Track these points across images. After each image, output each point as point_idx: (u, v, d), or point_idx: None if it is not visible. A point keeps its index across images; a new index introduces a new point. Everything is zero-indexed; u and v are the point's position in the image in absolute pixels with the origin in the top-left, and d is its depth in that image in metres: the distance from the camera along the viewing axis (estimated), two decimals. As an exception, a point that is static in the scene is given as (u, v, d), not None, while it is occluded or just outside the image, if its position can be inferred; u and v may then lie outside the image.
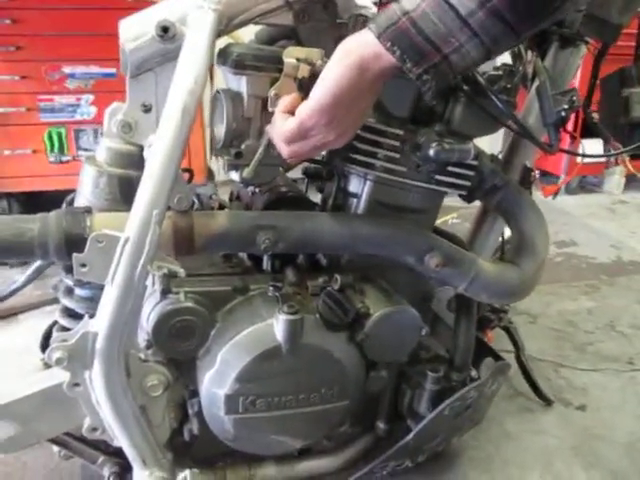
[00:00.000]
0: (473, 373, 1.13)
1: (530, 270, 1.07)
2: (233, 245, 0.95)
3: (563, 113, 0.98)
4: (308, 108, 0.80)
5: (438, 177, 1.02)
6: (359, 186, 1.03)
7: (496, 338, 1.53)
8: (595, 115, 1.14)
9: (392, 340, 0.99)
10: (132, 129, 0.97)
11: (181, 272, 0.88)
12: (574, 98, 0.98)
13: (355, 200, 1.04)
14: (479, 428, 1.29)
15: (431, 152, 0.97)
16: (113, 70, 2.49)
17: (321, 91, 0.79)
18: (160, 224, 0.84)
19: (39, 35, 2.30)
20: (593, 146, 3.65)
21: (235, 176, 0.99)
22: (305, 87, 0.88)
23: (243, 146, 0.97)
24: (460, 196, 1.13)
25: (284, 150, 0.85)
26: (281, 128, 0.83)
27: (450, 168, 1.02)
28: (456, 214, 2.29)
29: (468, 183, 1.05)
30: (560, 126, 1.00)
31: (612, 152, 1.07)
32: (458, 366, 1.11)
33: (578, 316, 1.87)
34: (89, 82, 2.57)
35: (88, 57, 2.42)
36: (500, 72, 1.01)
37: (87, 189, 1.00)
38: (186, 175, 1.00)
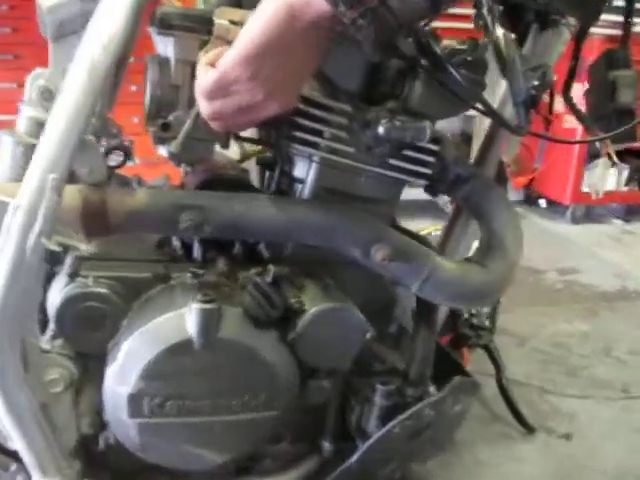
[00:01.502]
0: (432, 389, 0.94)
1: (497, 272, 0.89)
2: (152, 225, 0.81)
3: (533, 91, 0.81)
4: (230, 57, 0.67)
5: (392, 162, 0.86)
6: (304, 169, 0.88)
7: (478, 359, 1.34)
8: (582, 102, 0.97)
9: (330, 342, 0.82)
10: (54, 96, 0.84)
11: (84, 249, 0.74)
12: (546, 74, 0.82)
13: (300, 186, 0.89)
14: (447, 454, 1.09)
15: (380, 130, 0.81)
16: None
17: (244, 39, 0.66)
18: (58, 191, 0.71)
19: (38, 44, 2.23)
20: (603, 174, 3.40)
21: (163, 151, 0.85)
22: None
23: (171, 117, 0.83)
24: (425, 190, 0.97)
25: (205, 108, 0.71)
26: (201, 81, 0.69)
27: (407, 152, 0.87)
28: (440, 226, 2.11)
29: (428, 171, 0.89)
30: (531, 106, 0.83)
31: (591, 138, 0.90)
32: (413, 380, 0.93)
33: (572, 339, 1.66)
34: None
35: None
36: (465, 45, 0.86)
37: (5, 162, 0.87)
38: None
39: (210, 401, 0.79)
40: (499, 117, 0.82)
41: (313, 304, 0.81)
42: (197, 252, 0.89)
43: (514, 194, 3.88)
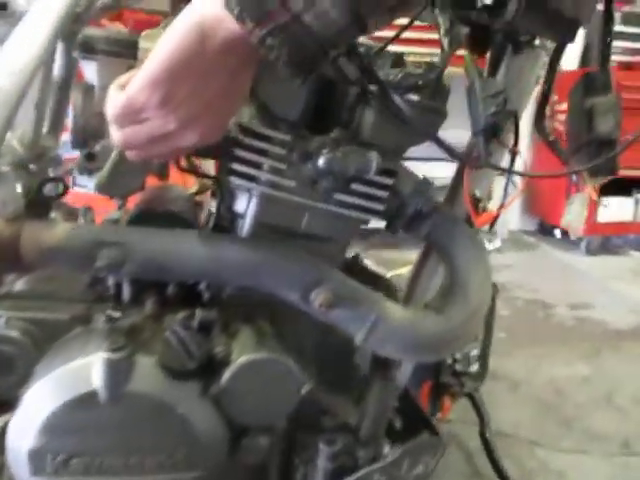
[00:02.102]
0: (387, 450, 0.83)
1: (456, 320, 0.77)
2: (68, 262, 0.72)
3: (492, 118, 0.71)
4: (137, 81, 0.59)
5: (339, 197, 0.77)
6: (244, 204, 0.79)
7: (463, 405, 1.21)
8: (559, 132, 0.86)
9: (258, 398, 0.72)
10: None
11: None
12: (507, 100, 0.72)
13: (240, 221, 0.80)
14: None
15: (320, 161, 0.72)
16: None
17: (153, 60, 0.58)
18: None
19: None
20: (620, 204, 3.25)
21: (89, 183, 0.77)
22: None
23: (97, 147, 0.76)
24: (386, 228, 0.87)
25: (115, 134, 0.63)
26: (110, 104, 0.62)
27: (356, 186, 0.77)
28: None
29: (380, 207, 0.79)
30: (491, 135, 0.73)
31: (567, 171, 0.79)
32: (365, 439, 0.82)
33: (570, 384, 1.50)
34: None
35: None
36: (420, 69, 0.77)
37: None
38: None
39: (121, 460, 0.69)
40: (448, 148, 0.71)
41: (241, 354, 0.71)
42: (126, 292, 0.80)
43: (529, 223, 3.74)
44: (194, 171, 0.83)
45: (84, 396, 0.66)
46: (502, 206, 0.79)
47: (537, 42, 0.88)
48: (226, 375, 0.70)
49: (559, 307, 2.41)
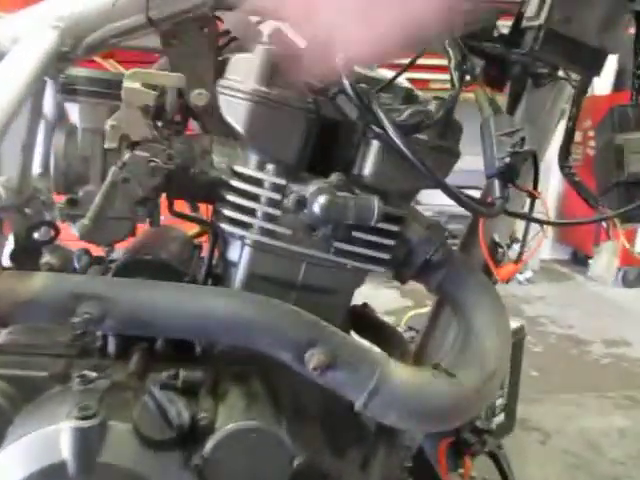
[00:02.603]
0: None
1: (471, 385, 0.68)
2: (45, 316, 0.67)
3: (507, 159, 0.63)
4: None
5: (340, 245, 0.69)
6: (237, 252, 0.72)
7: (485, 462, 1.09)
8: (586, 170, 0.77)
9: (246, 470, 0.63)
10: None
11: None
12: (522, 139, 0.63)
13: (233, 270, 0.73)
14: None
15: (316, 208, 0.65)
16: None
17: None
18: None
19: None
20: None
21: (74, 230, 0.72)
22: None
23: (81, 192, 0.71)
24: (393, 277, 0.78)
25: None
26: None
27: (358, 234, 0.69)
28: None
29: (386, 255, 0.71)
30: (508, 178, 0.64)
31: (593, 218, 0.69)
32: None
33: (605, 438, 1.36)
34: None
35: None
36: (430, 104, 0.69)
37: None
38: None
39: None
40: (459, 198, 0.63)
41: (227, 421, 0.63)
42: (112, 344, 0.74)
43: (561, 252, 3.57)
44: (186, 216, 0.77)
45: (53, 467, 0.59)
46: (520, 260, 0.69)
47: (560, 73, 0.80)
48: (209, 445, 0.62)
49: (594, 344, 2.26)
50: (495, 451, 1.05)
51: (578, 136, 3.41)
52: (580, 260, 3.34)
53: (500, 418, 1.23)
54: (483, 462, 1.09)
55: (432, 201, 3.25)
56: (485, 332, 0.71)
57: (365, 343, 0.69)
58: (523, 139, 0.64)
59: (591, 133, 3.23)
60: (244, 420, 0.64)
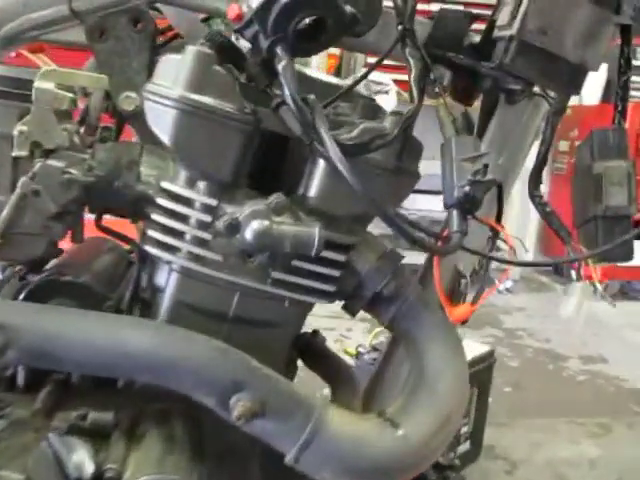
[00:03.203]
0: None
1: (418, 436, 0.59)
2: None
3: (467, 188, 0.54)
4: None
5: (277, 275, 0.60)
6: (164, 277, 0.63)
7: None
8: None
9: (155, 535, 0.55)
10: None
11: None
12: (485, 166, 0.54)
13: (160, 296, 0.64)
14: None
15: (248, 234, 0.56)
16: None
17: None
18: None
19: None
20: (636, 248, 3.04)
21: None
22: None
23: (-13, 204, 0.61)
24: (343, 307, 0.70)
25: None
26: None
27: (299, 264, 0.61)
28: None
29: (331, 287, 0.62)
30: (467, 209, 0.56)
31: (565, 258, 0.61)
32: None
33: (575, 469, 1.28)
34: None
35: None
36: (385, 121, 0.60)
37: None
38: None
39: None
40: (406, 233, 0.53)
41: (136, 474, 0.54)
42: (20, 376, 0.64)
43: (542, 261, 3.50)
44: (113, 232, 0.67)
45: None
46: (478, 300, 0.61)
47: (536, 89, 0.71)
48: (114, 504, 0.53)
49: (571, 360, 2.19)
50: (457, 487, 0.98)
51: (565, 146, 3.34)
52: (561, 270, 3.28)
53: (465, 446, 1.15)
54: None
55: (414, 205, 3.18)
56: (439, 374, 0.63)
57: (300, 389, 0.60)
58: (486, 166, 0.55)
59: (579, 142, 3.17)
60: (155, 474, 0.55)
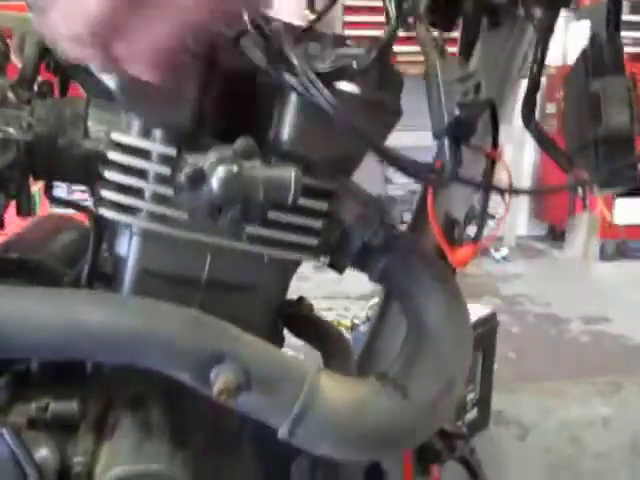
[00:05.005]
0: None
1: (422, 399, 0.55)
2: None
3: (457, 112, 0.49)
4: None
5: (252, 231, 0.55)
6: (125, 245, 0.57)
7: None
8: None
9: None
10: None
11: None
12: (476, 86, 0.49)
13: (123, 267, 0.58)
14: None
15: (214, 183, 0.50)
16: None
17: None
18: None
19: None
20: (636, 204, 3.02)
21: None
22: None
23: None
24: (329, 265, 0.64)
25: (95, 56, 0.41)
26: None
27: (275, 215, 0.55)
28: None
29: (313, 241, 0.57)
30: (460, 136, 0.51)
31: (565, 185, 0.56)
32: None
33: (588, 430, 1.25)
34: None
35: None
36: (358, 49, 0.55)
37: None
38: None
39: None
40: (397, 161, 0.49)
41: (110, 466, 0.49)
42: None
43: (538, 228, 3.48)
44: (64, 201, 0.61)
45: None
46: (479, 239, 0.56)
47: (521, 12, 0.66)
48: (85, 501, 0.48)
49: (573, 322, 2.17)
50: (467, 456, 0.93)
51: (552, 108, 3.30)
52: (557, 236, 3.26)
53: (473, 414, 1.12)
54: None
55: (403, 179, 3.14)
56: (440, 331, 0.58)
57: (288, 354, 0.55)
58: (478, 86, 0.50)
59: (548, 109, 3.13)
60: (132, 463, 0.50)
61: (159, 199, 0.54)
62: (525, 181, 3.24)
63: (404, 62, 2.58)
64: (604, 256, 2.88)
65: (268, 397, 0.52)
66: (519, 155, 2.87)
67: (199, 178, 0.53)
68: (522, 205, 3.29)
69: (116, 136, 0.54)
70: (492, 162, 0.54)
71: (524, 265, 2.87)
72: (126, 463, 0.50)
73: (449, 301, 0.60)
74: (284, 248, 0.57)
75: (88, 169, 0.56)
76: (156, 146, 0.53)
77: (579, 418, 1.25)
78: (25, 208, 0.61)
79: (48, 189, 0.62)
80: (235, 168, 0.51)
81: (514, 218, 3.05)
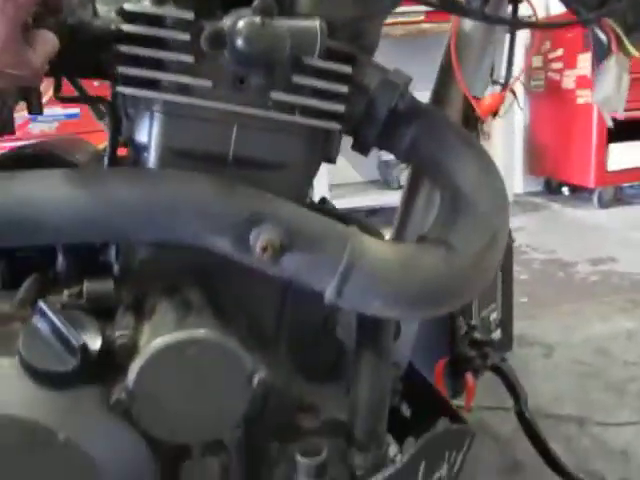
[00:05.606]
0: (392, 450, 0.59)
1: (468, 253, 0.54)
2: None
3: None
4: None
5: (277, 96, 0.53)
6: (146, 128, 0.55)
7: (489, 385, 0.97)
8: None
9: (188, 399, 0.48)
10: None
11: None
12: None
13: (144, 155, 0.56)
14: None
15: (239, 41, 0.49)
16: (77, 110, 2.26)
17: None
18: None
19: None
20: (630, 149, 3.01)
21: None
22: None
23: None
24: (353, 146, 0.63)
25: None
26: None
27: (300, 79, 0.53)
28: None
29: (339, 106, 0.55)
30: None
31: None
32: (361, 440, 0.58)
33: (613, 342, 1.25)
34: (53, 124, 2.34)
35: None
36: None
37: None
38: None
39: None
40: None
41: (152, 337, 0.47)
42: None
43: (533, 184, 3.48)
44: (74, 98, 0.59)
45: None
46: (506, 85, 0.55)
47: None
48: (133, 371, 0.46)
49: (580, 265, 2.17)
50: (499, 364, 0.93)
51: (538, 60, 3.30)
52: (553, 189, 3.27)
53: (497, 334, 1.11)
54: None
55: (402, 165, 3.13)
56: (477, 190, 0.57)
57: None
58: None
59: (551, 55, 3.13)
60: (178, 331, 0.48)
61: (180, 68, 0.52)
62: (518, 146, 3.24)
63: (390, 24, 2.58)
64: (602, 203, 2.89)
65: (312, 256, 0.50)
66: (510, 116, 2.87)
67: (220, 39, 0.51)
68: (517, 163, 3.30)
69: (129, 7, 0.52)
70: (516, 1, 0.53)
71: (524, 218, 2.87)
72: (172, 332, 0.48)
73: (480, 162, 0.59)
74: (310, 115, 0.55)
75: (100, 50, 0.54)
76: (172, 10, 0.51)
77: (603, 332, 1.25)
78: (36, 107, 0.60)
79: (57, 89, 0.60)
80: (258, 21, 0.49)
81: (510, 177, 3.05)
